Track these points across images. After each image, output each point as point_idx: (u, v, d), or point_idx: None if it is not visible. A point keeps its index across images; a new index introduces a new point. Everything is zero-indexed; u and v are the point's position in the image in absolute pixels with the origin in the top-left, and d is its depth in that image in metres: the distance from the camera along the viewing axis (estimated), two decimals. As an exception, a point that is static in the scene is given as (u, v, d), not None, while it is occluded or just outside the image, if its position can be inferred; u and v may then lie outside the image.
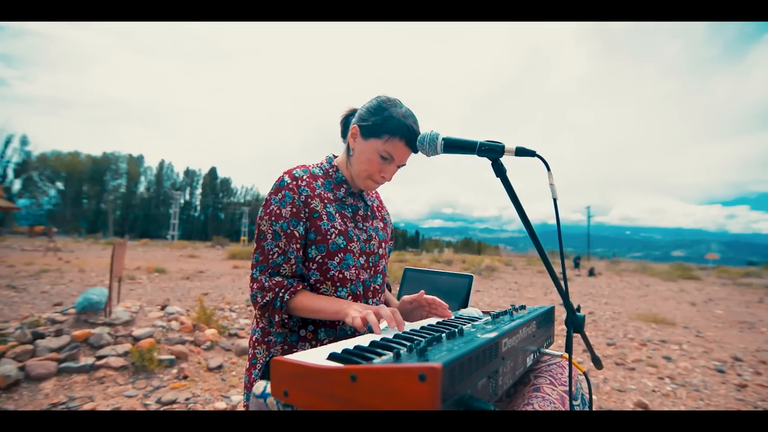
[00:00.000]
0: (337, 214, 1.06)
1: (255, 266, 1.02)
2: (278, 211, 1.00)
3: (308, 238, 1.02)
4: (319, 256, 1.02)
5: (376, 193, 1.31)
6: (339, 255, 1.03)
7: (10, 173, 64.03)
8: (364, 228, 1.14)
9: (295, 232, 1.00)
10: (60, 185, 70.59)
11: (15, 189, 64.58)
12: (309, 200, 1.02)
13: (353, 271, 1.05)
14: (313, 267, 1.02)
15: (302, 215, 1.01)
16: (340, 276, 1.03)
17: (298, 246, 1.01)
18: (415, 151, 1.06)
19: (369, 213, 1.18)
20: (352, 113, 1.16)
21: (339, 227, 1.04)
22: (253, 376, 1.03)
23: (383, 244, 1.19)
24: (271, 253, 1.00)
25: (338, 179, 1.12)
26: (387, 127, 1.01)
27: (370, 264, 1.12)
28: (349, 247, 1.05)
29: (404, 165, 1.09)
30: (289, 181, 1.02)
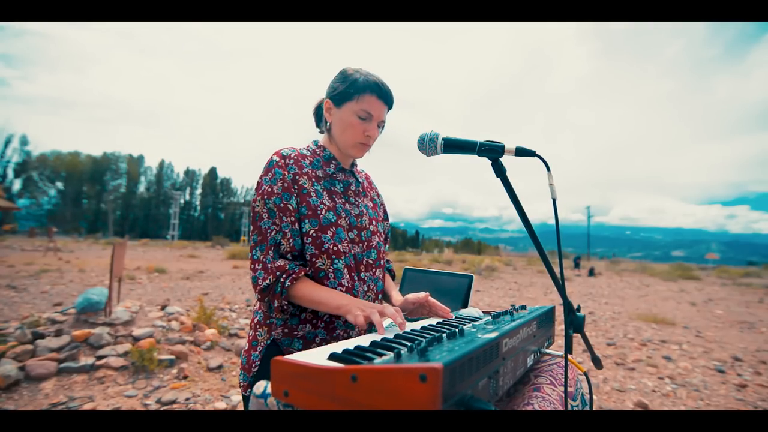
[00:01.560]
0: (325, 192, 1.08)
1: (254, 247, 1.02)
2: (269, 189, 1.01)
3: (300, 212, 1.04)
4: (313, 230, 1.03)
5: (366, 174, 1.32)
6: (331, 229, 1.05)
7: (10, 173, 64.12)
8: (356, 203, 1.15)
9: (289, 205, 1.01)
10: (60, 185, 70.56)
11: (15, 189, 64.67)
12: (297, 177, 1.04)
13: (345, 245, 1.07)
14: (308, 241, 1.03)
15: (293, 190, 1.03)
16: (335, 249, 1.04)
17: (293, 219, 1.02)
18: (390, 106, 1.10)
19: (360, 189, 1.20)
20: (322, 103, 1.20)
21: (327, 203, 1.06)
22: (252, 357, 1.03)
23: (374, 221, 1.20)
24: (269, 231, 1.01)
25: (326, 156, 1.14)
26: (356, 87, 1.04)
27: (362, 238, 1.13)
28: (338, 222, 1.06)
29: (384, 122, 1.11)
30: (277, 160, 1.04)
